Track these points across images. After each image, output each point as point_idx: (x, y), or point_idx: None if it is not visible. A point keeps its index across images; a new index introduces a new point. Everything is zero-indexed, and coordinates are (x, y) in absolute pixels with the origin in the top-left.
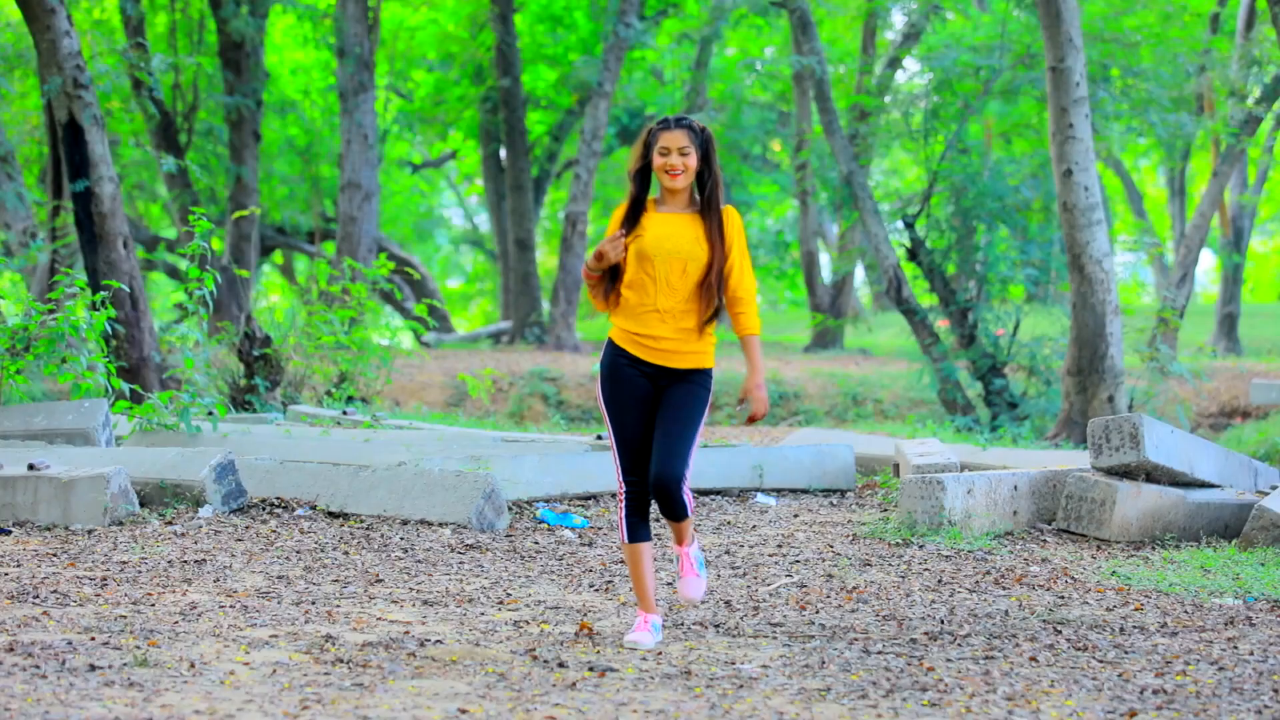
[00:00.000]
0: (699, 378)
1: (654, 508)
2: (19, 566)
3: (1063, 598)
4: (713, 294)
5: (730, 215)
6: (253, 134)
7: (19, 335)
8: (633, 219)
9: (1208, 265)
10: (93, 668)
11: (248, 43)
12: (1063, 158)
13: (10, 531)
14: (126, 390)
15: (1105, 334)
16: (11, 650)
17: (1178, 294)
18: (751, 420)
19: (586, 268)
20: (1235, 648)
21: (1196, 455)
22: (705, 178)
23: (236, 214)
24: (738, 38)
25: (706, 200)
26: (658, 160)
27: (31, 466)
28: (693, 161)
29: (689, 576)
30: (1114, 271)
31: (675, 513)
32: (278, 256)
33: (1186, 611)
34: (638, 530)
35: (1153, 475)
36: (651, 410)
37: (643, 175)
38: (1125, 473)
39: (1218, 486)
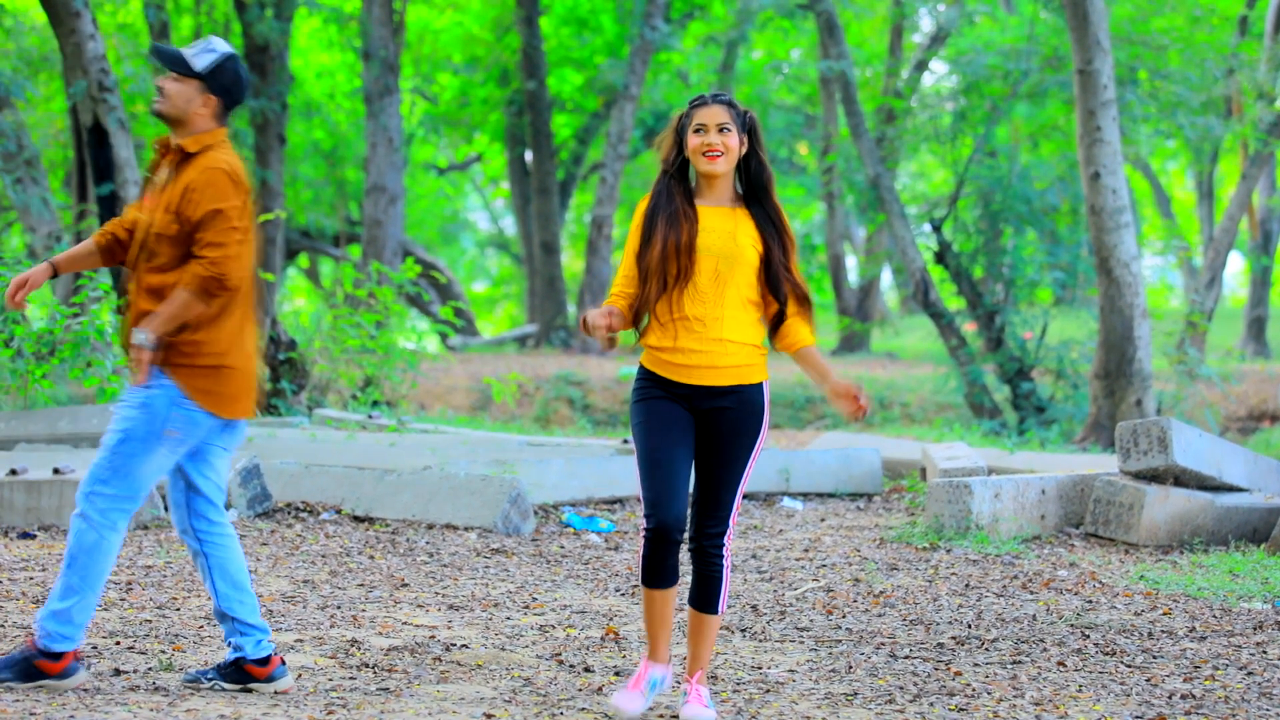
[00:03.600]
0: (747, 399)
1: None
2: (44, 571)
3: (1090, 602)
4: (769, 294)
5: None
6: (278, 137)
7: (44, 339)
8: (660, 220)
9: (1236, 268)
10: (118, 672)
11: (272, 46)
12: (1090, 160)
13: (35, 535)
14: None
15: (1133, 337)
16: None
17: (1206, 297)
18: (858, 414)
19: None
20: (1264, 652)
21: (1225, 459)
22: (752, 166)
23: (262, 217)
24: (764, 40)
25: (753, 191)
26: (693, 140)
27: (56, 470)
28: (734, 141)
29: (696, 704)
30: (1142, 275)
31: (707, 590)
32: (303, 260)
33: (1215, 616)
34: (659, 574)
35: (1181, 479)
36: (688, 436)
37: (682, 170)
38: (1153, 476)
39: (1246, 490)
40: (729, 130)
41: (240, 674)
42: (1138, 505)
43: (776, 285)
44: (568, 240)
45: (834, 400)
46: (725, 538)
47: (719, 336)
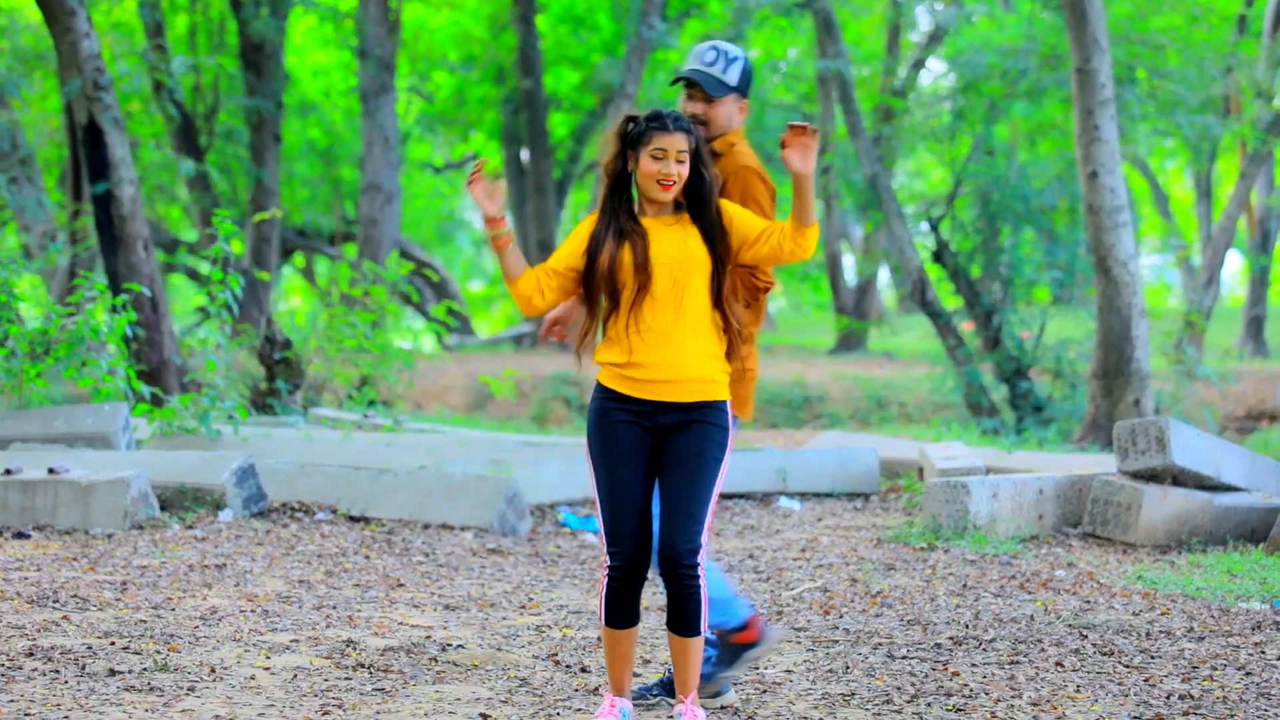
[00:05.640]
0: (710, 415)
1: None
2: (39, 570)
3: (1088, 602)
4: (721, 306)
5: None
6: (273, 136)
7: (39, 339)
8: (605, 234)
9: (1235, 268)
10: (113, 672)
11: (268, 44)
12: (1088, 159)
13: (30, 535)
14: (147, 394)
15: (1131, 336)
16: (31, 655)
17: (1204, 296)
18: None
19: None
20: (1262, 652)
21: (1223, 458)
22: (691, 180)
23: (258, 216)
24: (761, 39)
25: (700, 203)
26: (650, 165)
27: (51, 470)
28: (686, 170)
29: None
30: (1140, 274)
31: (686, 610)
32: (298, 259)
33: (1213, 616)
34: (624, 614)
35: (1179, 479)
36: (651, 465)
37: (622, 181)
38: (1152, 476)
39: (1245, 490)
40: (684, 159)
41: (730, 650)
42: (1136, 505)
43: (719, 299)
44: (564, 239)
45: (787, 150)
46: (699, 556)
47: (680, 347)
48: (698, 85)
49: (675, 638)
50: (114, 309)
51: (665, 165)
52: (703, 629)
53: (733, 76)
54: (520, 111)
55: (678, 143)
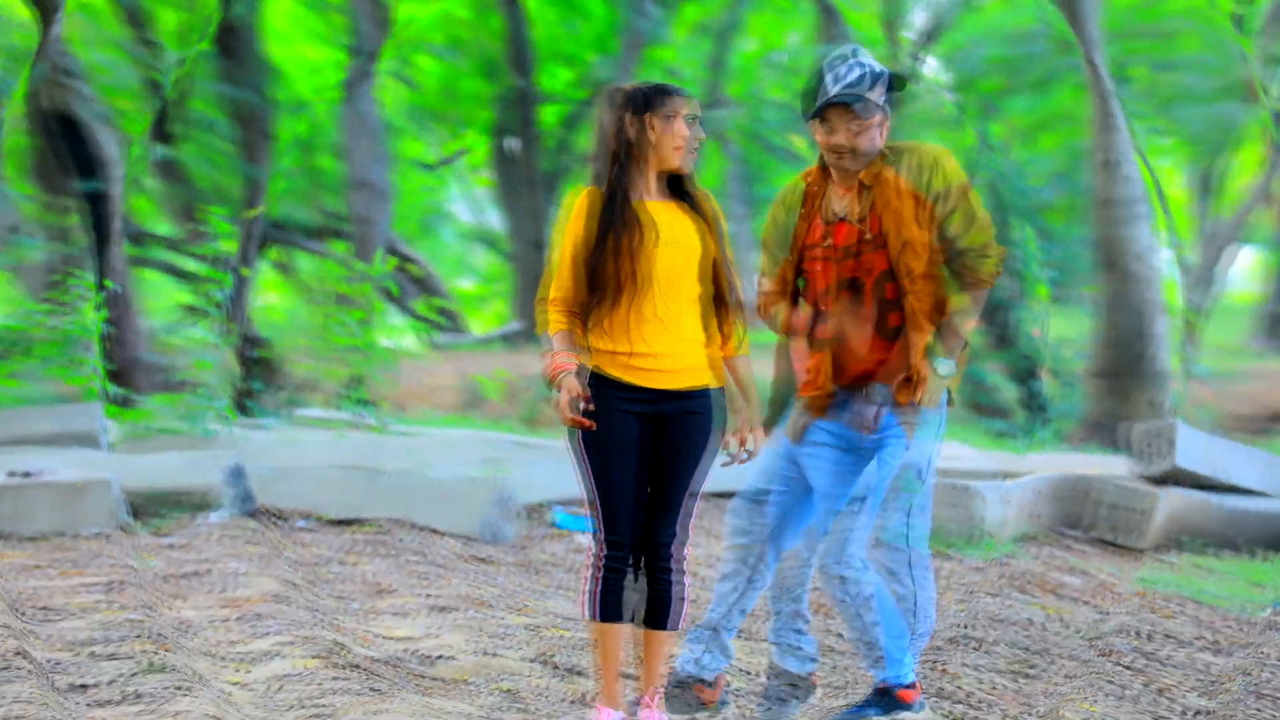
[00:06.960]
0: (705, 403)
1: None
2: (15, 579)
3: (1096, 607)
4: (716, 289)
5: (711, 197)
6: (263, 134)
7: (7, 338)
8: (616, 219)
9: (1243, 263)
10: (96, 679)
11: (242, 28)
12: (1103, 148)
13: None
14: (118, 394)
15: (1149, 334)
16: (20, 654)
17: (1205, 293)
18: (733, 460)
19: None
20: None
21: (1237, 462)
22: None
23: (249, 213)
24: (759, 25)
25: (682, 181)
26: (684, 130)
27: (27, 474)
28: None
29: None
30: (1159, 268)
31: (663, 602)
32: (274, 253)
33: (1227, 623)
34: (614, 607)
35: (1192, 482)
36: (645, 455)
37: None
38: (1165, 480)
39: (1261, 494)
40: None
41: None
42: (1150, 509)
43: (717, 278)
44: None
45: (730, 429)
46: (675, 547)
47: (687, 336)
48: (851, 110)
49: (649, 632)
50: (97, 307)
51: (696, 130)
52: (678, 625)
53: (880, 94)
54: (512, 109)
55: (695, 107)
